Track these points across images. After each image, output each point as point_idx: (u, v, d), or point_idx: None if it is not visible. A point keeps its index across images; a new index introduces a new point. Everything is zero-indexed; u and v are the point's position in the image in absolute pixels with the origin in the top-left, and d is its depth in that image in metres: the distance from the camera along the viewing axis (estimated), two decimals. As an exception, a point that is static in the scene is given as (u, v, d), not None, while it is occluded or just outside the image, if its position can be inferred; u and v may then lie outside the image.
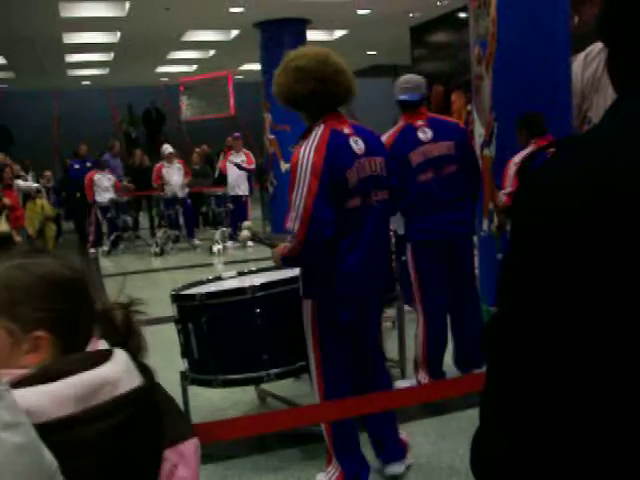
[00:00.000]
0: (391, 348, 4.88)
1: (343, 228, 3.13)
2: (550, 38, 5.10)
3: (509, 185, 4.35)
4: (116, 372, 1.12)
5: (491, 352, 0.94)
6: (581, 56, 5.35)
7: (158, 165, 12.44)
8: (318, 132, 3.15)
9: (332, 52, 3.22)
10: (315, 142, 3.12)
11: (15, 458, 0.77)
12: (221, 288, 3.99)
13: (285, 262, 3.28)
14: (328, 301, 3.22)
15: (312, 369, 3.39)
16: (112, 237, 12.38)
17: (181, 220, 12.29)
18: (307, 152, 3.09)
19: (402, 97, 4.48)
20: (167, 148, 12.45)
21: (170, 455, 1.19)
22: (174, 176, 12.16)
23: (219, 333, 3.72)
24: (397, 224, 4.50)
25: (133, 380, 1.14)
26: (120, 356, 1.17)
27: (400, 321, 4.81)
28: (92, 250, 12.28)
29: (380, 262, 3.39)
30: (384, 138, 4.06)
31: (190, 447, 1.24)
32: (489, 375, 0.94)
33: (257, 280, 3.93)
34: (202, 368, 3.80)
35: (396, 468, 3.52)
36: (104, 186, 12.25)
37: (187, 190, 12.39)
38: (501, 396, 0.91)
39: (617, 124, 0.89)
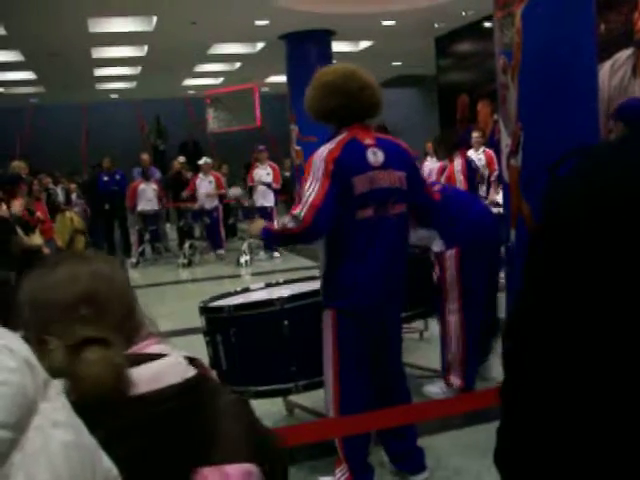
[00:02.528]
0: (417, 358, 4.89)
1: (356, 239, 3.21)
2: (576, 46, 5.08)
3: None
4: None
5: (509, 346, 0.96)
6: (608, 64, 5.34)
7: (194, 175, 12.83)
8: (336, 139, 3.29)
9: (360, 69, 3.34)
10: (332, 145, 3.26)
11: (66, 453, 0.80)
12: (249, 300, 4.02)
13: (268, 237, 3.45)
14: (347, 311, 3.28)
15: (328, 381, 3.40)
16: (141, 248, 12.52)
17: (196, 231, 12.55)
18: (323, 153, 3.23)
19: None
20: (205, 159, 12.73)
21: (210, 473, 1.16)
22: (202, 188, 12.29)
23: (247, 345, 3.74)
24: (430, 240, 4.53)
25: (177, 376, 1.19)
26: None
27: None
28: (134, 259, 12.44)
29: (396, 275, 3.38)
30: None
31: (238, 470, 1.19)
32: (506, 369, 0.96)
33: (285, 292, 3.96)
34: (230, 380, 3.81)
35: (423, 476, 3.58)
36: (148, 197, 12.44)
37: (215, 203, 12.48)
38: (519, 388, 0.92)
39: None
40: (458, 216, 4.58)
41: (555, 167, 3.59)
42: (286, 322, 3.66)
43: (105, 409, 1.06)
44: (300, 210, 3.15)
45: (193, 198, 12.39)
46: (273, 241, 3.47)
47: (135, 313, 1.32)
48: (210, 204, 12.38)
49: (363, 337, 3.32)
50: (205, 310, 3.96)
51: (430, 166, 9.33)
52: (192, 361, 1.30)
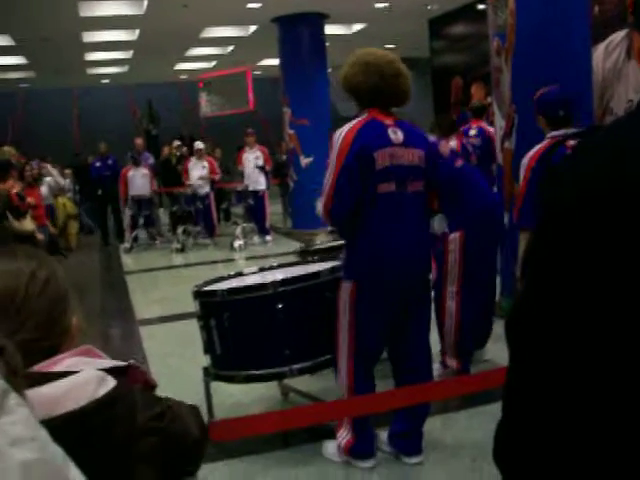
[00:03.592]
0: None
1: (378, 213, 3.33)
2: (570, 28, 5.07)
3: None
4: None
5: (511, 340, 0.96)
6: (602, 46, 5.31)
7: (187, 160, 12.70)
8: (357, 119, 3.42)
9: (398, 59, 3.52)
10: (352, 123, 3.39)
11: (25, 474, 0.74)
12: (243, 284, 4.01)
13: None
14: (366, 282, 3.35)
15: (342, 359, 3.45)
16: (134, 234, 12.49)
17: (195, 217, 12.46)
18: (342, 132, 3.37)
19: None
20: (198, 144, 12.61)
21: None
22: (194, 172, 12.24)
23: (241, 329, 3.74)
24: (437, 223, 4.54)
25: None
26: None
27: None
28: (127, 245, 12.43)
29: (419, 252, 3.47)
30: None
31: None
32: (510, 363, 0.95)
33: (279, 276, 3.95)
34: (224, 364, 3.82)
35: (417, 459, 3.60)
36: (139, 182, 12.42)
37: (207, 189, 12.44)
38: (520, 384, 0.92)
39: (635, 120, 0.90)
40: (468, 201, 4.50)
41: (548, 155, 3.56)
42: (280, 306, 3.65)
43: None
44: (319, 201, 3.41)
45: (182, 183, 12.34)
46: (344, 234, 3.63)
47: (61, 320, 1.19)
48: (202, 190, 12.33)
49: (381, 312, 3.39)
50: (199, 294, 3.95)
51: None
52: (120, 370, 1.16)
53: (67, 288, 1.23)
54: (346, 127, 3.38)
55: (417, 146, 3.47)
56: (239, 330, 3.74)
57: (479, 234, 4.51)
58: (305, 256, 4.96)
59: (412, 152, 3.43)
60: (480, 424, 3.89)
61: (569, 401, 0.86)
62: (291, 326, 3.67)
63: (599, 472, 0.85)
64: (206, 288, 4.06)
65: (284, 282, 3.71)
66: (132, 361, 1.22)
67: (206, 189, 12.43)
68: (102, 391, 1.08)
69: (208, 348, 3.89)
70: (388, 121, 3.43)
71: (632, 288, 0.80)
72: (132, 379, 1.17)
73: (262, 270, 4.46)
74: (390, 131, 3.39)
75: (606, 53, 5.23)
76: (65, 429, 0.99)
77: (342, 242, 4.10)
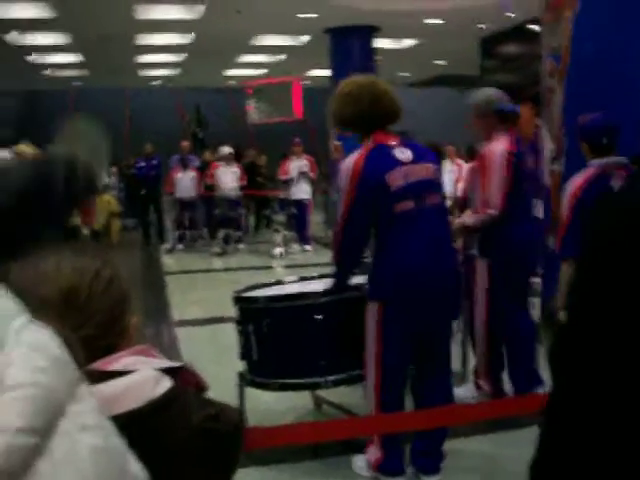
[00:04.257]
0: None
1: (398, 232, 3.35)
2: (626, 53, 5.00)
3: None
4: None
5: (556, 364, 0.94)
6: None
7: (214, 164, 12.59)
8: (362, 147, 3.47)
9: (377, 80, 3.62)
10: (358, 153, 3.44)
11: (93, 459, 0.76)
12: (282, 292, 4.02)
13: (336, 276, 3.66)
14: (393, 302, 3.36)
15: (370, 376, 3.46)
16: (177, 234, 12.62)
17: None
18: (349, 161, 3.42)
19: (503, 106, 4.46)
20: (225, 149, 12.50)
21: None
22: (225, 178, 12.22)
23: (279, 336, 3.75)
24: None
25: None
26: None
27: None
28: (168, 245, 12.63)
29: (444, 265, 3.47)
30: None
31: None
32: (554, 394, 0.94)
33: (318, 286, 3.95)
34: (260, 371, 3.83)
35: (435, 478, 3.59)
36: (186, 184, 12.54)
37: (239, 193, 12.45)
38: (567, 418, 0.90)
39: None
40: (501, 230, 4.22)
41: (589, 185, 3.46)
42: (319, 316, 3.65)
43: None
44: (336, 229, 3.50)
45: (212, 188, 12.34)
46: (338, 278, 3.66)
47: (121, 319, 1.22)
48: (233, 194, 12.32)
49: (408, 331, 3.40)
50: (239, 300, 3.97)
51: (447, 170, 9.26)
52: (175, 370, 1.17)
53: (127, 289, 1.26)
54: (353, 156, 3.43)
55: (428, 160, 3.53)
56: (277, 338, 3.75)
57: (508, 266, 4.28)
58: None
59: (425, 167, 3.48)
60: (495, 449, 3.84)
61: (618, 437, 0.84)
62: (329, 337, 3.68)
63: None
64: (246, 294, 4.07)
65: (325, 293, 3.71)
66: (186, 363, 1.23)
67: (239, 194, 12.45)
68: (159, 391, 1.09)
69: (245, 354, 3.90)
70: (393, 142, 3.48)
71: None
72: (185, 380, 1.18)
73: (303, 279, 4.46)
74: (397, 151, 3.44)
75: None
76: (124, 428, 0.99)
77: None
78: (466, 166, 7.35)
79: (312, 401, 4.52)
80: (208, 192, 12.60)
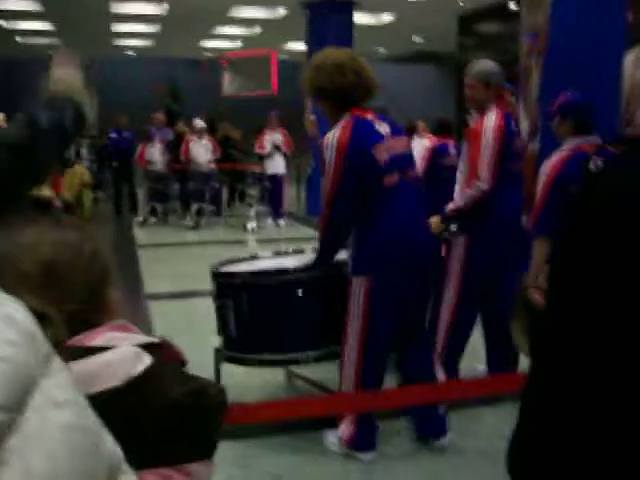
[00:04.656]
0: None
1: (387, 206, 3.37)
2: (603, 34, 5.01)
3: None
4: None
5: (535, 348, 0.94)
6: (633, 54, 5.26)
7: (187, 138, 12.46)
8: (342, 121, 3.43)
9: (354, 54, 3.57)
10: (339, 129, 3.39)
11: (65, 436, 0.74)
12: (257, 267, 3.99)
13: (317, 264, 3.61)
14: (381, 275, 3.37)
15: (351, 353, 3.46)
16: (149, 207, 12.53)
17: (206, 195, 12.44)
18: (333, 136, 3.38)
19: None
20: (198, 123, 12.39)
21: (149, 475, 1.06)
22: (197, 151, 12.13)
23: (259, 312, 3.72)
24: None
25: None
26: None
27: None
28: (140, 218, 12.56)
29: (428, 236, 3.58)
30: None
31: (202, 468, 1.12)
32: (534, 373, 0.94)
33: (293, 261, 3.94)
34: (238, 346, 3.80)
35: (445, 441, 3.66)
36: (155, 157, 12.46)
37: (212, 167, 12.35)
38: (547, 395, 0.90)
39: None
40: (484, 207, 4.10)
41: (587, 161, 3.51)
42: (300, 292, 3.64)
43: None
44: (322, 202, 3.43)
45: (187, 161, 12.26)
46: (323, 256, 3.63)
47: (104, 293, 1.19)
48: (207, 168, 12.23)
49: (396, 304, 3.43)
50: (218, 275, 3.93)
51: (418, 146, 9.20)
52: (155, 346, 1.15)
53: (109, 263, 1.23)
54: (335, 131, 3.39)
55: (401, 134, 3.60)
56: (257, 313, 3.72)
57: (490, 242, 4.16)
58: None
59: (402, 140, 3.55)
60: (481, 423, 3.88)
61: (601, 415, 0.84)
62: (310, 313, 3.67)
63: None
64: (223, 269, 4.04)
65: (306, 268, 3.69)
66: (164, 337, 1.21)
67: (212, 167, 12.36)
68: (139, 368, 1.08)
69: (222, 329, 3.87)
70: (370, 116, 3.49)
71: None
72: (166, 356, 1.17)
73: (277, 255, 4.44)
74: (377, 125, 3.46)
75: (637, 62, 5.16)
76: (103, 406, 0.98)
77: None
78: (428, 143, 7.11)
79: (284, 376, 4.52)
80: (182, 165, 12.50)
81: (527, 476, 0.94)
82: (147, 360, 1.10)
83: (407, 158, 3.54)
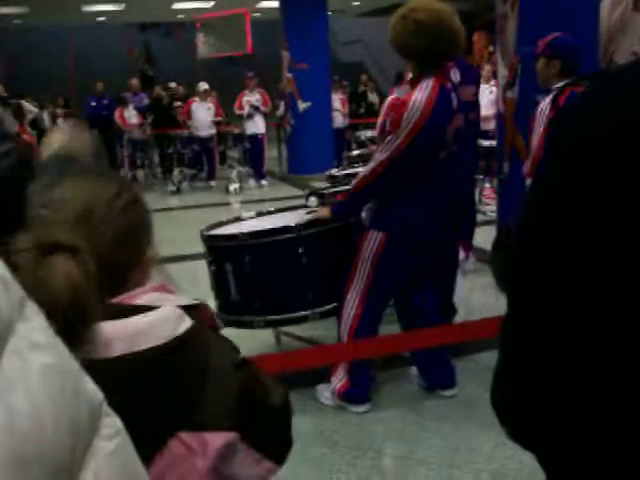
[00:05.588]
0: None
1: (436, 176, 3.41)
2: (578, -23, 4.97)
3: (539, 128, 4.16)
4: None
5: (509, 289, 0.96)
6: (609, -3, 5.23)
7: (189, 100, 12.41)
8: (428, 86, 3.30)
9: (450, 12, 3.34)
10: (425, 95, 3.27)
11: (44, 378, 0.74)
12: (245, 228, 3.96)
13: (342, 208, 3.53)
14: (399, 237, 3.40)
15: (351, 302, 3.50)
16: (130, 174, 12.46)
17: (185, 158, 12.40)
18: (419, 102, 3.25)
19: None
20: (202, 85, 12.27)
21: (188, 439, 1.08)
22: (200, 114, 12.05)
23: (262, 273, 3.68)
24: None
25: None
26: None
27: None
28: None
29: (461, 200, 3.86)
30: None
31: (218, 440, 1.11)
32: (509, 311, 0.96)
33: (277, 221, 3.92)
34: (242, 309, 3.76)
35: (452, 392, 3.75)
36: (134, 123, 12.34)
37: (212, 131, 12.29)
38: (520, 332, 0.92)
39: None
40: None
41: (556, 98, 3.53)
42: (303, 249, 3.61)
43: None
44: (379, 155, 3.32)
45: (185, 124, 12.19)
46: (349, 207, 3.52)
47: (138, 245, 1.22)
48: (206, 132, 12.19)
49: (403, 269, 3.48)
50: (212, 238, 3.88)
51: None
52: (193, 308, 1.17)
53: (150, 222, 1.26)
54: (422, 96, 3.27)
55: (471, 82, 3.91)
56: (260, 274, 3.68)
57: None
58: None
59: (461, 117, 3.58)
60: (471, 370, 3.93)
61: (570, 348, 0.86)
62: (314, 269, 3.65)
63: (595, 416, 0.86)
64: (215, 232, 4.00)
65: (308, 225, 3.65)
66: (201, 300, 1.23)
67: (212, 131, 12.30)
68: (181, 329, 1.10)
69: (219, 294, 3.83)
70: (449, 84, 3.46)
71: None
72: (202, 318, 1.19)
73: (260, 215, 4.41)
74: (452, 98, 3.42)
75: (613, 3, 5.13)
76: (145, 365, 1.03)
77: (344, 187, 4.11)
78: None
79: (273, 335, 4.52)
80: (162, 129, 12.46)
81: (510, 411, 0.96)
82: (188, 323, 1.12)
83: (471, 104, 3.83)
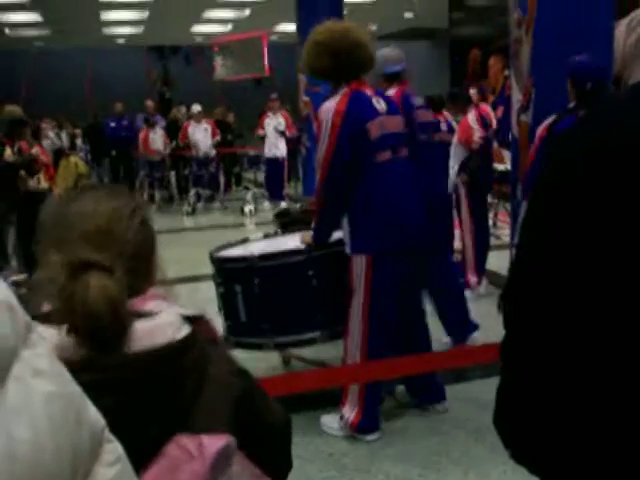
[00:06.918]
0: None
1: (380, 182, 3.39)
2: (594, 3, 4.98)
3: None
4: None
5: (508, 303, 0.96)
6: (624, 22, 5.23)
7: (185, 123, 12.50)
8: (339, 94, 3.43)
9: (352, 27, 3.48)
10: (337, 99, 3.40)
11: (47, 405, 0.75)
12: (253, 250, 3.96)
13: (318, 233, 3.55)
14: (378, 252, 3.40)
15: (355, 328, 3.48)
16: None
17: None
18: (330, 106, 3.38)
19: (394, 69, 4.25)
20: (196, 107, 12.39)
21: (185, 440, 1.09)
22: (198, 136, 12.14)
23: (272, 295, 3.67)
24: None
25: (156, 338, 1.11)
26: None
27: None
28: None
29: (422, 212, 3.59)
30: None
31: (215, 444, 1.11)
32: (508, 331, 0.95)
33: (285, 242, 3.93)
34: (250, 331, 3.75)
35: (444, 405, 3.83)
36: (156, 144, 12.47)
37: (213, 152, 12.35)
38: (518, 348, 0.92)
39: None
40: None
41: (554, 123, 3.54)
42: (311, 271, 3.61)
43: (84, 364, 1.00)
44: (317, 173, 3.41)
45: (187, 147, 12.27)
46: (321, 230, 3.55)
47: (151, 260, 1.27)
48: (206, 153, 12.25)
49: (396, 280, 3.48)
50: (222, 260, 3.88)
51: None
52: (193, 319, 1.20)
53: (154, 232, 1.31)
54: (333, 101, 3.39)
55: (398, 113, 3.59)
56: (269, 296, 3.67)
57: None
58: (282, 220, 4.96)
59: (396, 120, 3.53)
60: (480, 395, 3.89)
61: (571, 365, 0.86)
62: (322, 291, 3.64)
63: (596, 432, 0.85)
64: (224, 254, 3.99)
65: (317, 247, 3.64)
66: (203, 313, 1.27)
67: (211, 152, 12.37)
68: (181, 334, 1.13)
69: (229, 315, 3.82)
70: (369, 92, 3.49)
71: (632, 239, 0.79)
72: (202, 329, 1.22)
73: (267, 236, 4.41)
74: (374, 101, 3.46)
75: (628, 29, 5.13)
76: (145, 364, 1.07)
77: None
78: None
79: (280, 359, 4.49)
80: (180, 151, 12.53)
81: (512, 433, 0.96)
82: (187, 330, 1.15)
83: (401, 137, 3.54)
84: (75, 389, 0.81)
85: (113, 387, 1.03)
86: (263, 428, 1.24)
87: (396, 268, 3.44)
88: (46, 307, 1.10)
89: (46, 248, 1.11)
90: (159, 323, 1.12)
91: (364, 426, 3.56)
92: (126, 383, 1.05)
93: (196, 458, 1.09)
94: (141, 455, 1.00)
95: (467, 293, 5.65)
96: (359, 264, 3.42)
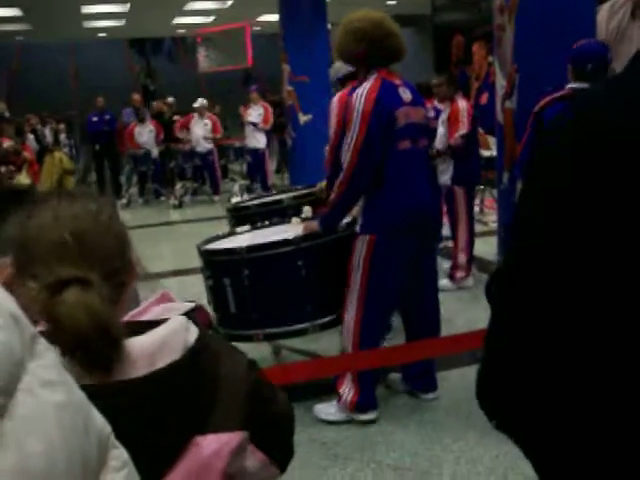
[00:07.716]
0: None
1: (399, 168, 3.48)
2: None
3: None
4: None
5: (495, 297, 0.96)
6: (607, 6, 5.23)
7: (188, 115, 12.51)
8: (370, 80, 3.52)
9: (386, 17, 3.63)
10: (366, 89, 3.47)
11: (58, 416, 0.75)
12: (237, 242, 3.96)
13: (327, 218, 3.62)
14: (385, 236, 3.46)
15: (351, 309, 3.53)
16: (133, 189, 12.51)
17: (187, 173, 12.45)
18: (361, 94, 3.45)
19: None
20: (201, 101, 12.37)
21: (206, 441, 1.09)
22: (197, 129, 12.12)
23: (262, 287, 3.68)
24: None
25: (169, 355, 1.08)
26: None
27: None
28: (124, 200, 12.54)
29: (435, 202, 3.74)
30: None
31: (232, 441, 1.12)
32: (493, 313, 0.97)
33: (272, 233, 3.93)
34: (240, 323, 3.76)
35: (434, 395, 3.87)
36: (143, 138, 12.41)
37: (210, 146, 12.33)
38: (503, 332, 0.93)
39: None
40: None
41: (541, 110, 3.56)
42: (300, 262, 3.63)
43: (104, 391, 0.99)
44: (343, 157, 3.47)
45: (177, 139, 12.25)
46: (333, 217, 3.61)
47: (126, 255, 1.21)
48: (203, 147, 12.24)
49: (396, 267, 3.51)
50: (210, 253, 3.88)
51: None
52: (192, 312, 1.18)
53: (124, 225, 1.25)
54: (363, 89, 3.47)
55: (422, 104, 3.70)
56: (259, 288, 3.68)
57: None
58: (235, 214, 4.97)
59: (419, 111, 3.62)
60: (471, 382, 3.92)
61: (554, 338, 0.86)
62: (312, 281, 3.65)
63: (580, 408, 0.86)
64: (212, 246, 3.99)
65: (306, 237, 3.67)
66: (197, 301, 1.25)
67: (208, 146, 12.33)
68: (191, 338, 1.11)
69: (218, 308, 3.82)
70: (397, 81, 3.57)
71: (627, 228, 0.79)
72: (199, 318, 1.20)
73: (255, 228, 4.40)
74: (400, 91, 3.54)
75: (611, 13, 5.14)
76: (167, 380, 1.05)
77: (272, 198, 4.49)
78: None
79: (270, 349, 4.50)
80: (175, 144, 12.52)
81: (495, 402, 0.98)
82: (194, 328, 1.13)
83: (421, 128, 3.62)
84: (81, 396, 0.81)
85: (131, 410, 1.02)
86: (272, 417, 1.25)
87: (403, 247, 3.49)
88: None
89: (19, 273, 1.08)
90: (167, 333, 1.09)
91: (363, 404, 3.62)
92: (152, 401, 1.05)
93: (215, 456, 1.09)
94: (160, 462, 1.01)
95: (449, 284, 5.67)
96: (362, 244, 3.50)
